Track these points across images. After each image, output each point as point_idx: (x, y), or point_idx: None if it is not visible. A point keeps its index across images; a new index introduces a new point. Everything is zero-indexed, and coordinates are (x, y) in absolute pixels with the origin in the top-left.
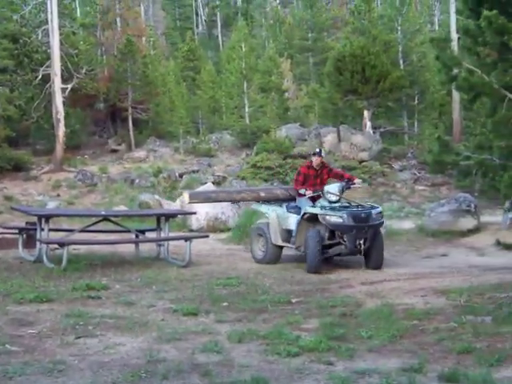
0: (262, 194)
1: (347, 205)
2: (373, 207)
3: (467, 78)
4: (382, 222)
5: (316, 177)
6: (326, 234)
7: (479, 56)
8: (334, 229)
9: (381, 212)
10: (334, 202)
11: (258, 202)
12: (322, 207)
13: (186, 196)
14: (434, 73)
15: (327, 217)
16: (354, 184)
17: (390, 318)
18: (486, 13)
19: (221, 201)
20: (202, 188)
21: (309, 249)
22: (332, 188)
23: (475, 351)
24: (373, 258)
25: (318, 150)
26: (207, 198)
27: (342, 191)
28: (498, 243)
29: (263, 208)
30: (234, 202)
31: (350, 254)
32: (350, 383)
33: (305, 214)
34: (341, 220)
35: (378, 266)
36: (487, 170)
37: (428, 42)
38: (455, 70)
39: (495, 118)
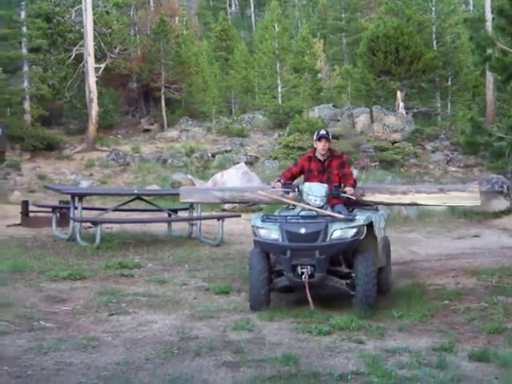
0: None
1: (308, 213)
2: (349, 219)
3: (501, 59)
4: (352, 241)
5: (321, 172)
6: None
7: None
8: (263, 249)
9: (360, 226)
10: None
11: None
12: (264, 217)
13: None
14: (468, 54)
15: (260, 230)
16: (345, 193)
17: (421, 298)
18: None
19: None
20: (234, 167)
21: (250, 276)
22: (317, 189)
23: (506, 331)
24: (356, 292)
25: (323, 131)
26: (208, 197)
27: (332, 196)
28: None
29: None
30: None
31: (293, 288)
32: (381, 361)
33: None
34: (272, 236)
35: (365, 301)
36: None
37: (462, 22)
38: (489, 51)
39: None
